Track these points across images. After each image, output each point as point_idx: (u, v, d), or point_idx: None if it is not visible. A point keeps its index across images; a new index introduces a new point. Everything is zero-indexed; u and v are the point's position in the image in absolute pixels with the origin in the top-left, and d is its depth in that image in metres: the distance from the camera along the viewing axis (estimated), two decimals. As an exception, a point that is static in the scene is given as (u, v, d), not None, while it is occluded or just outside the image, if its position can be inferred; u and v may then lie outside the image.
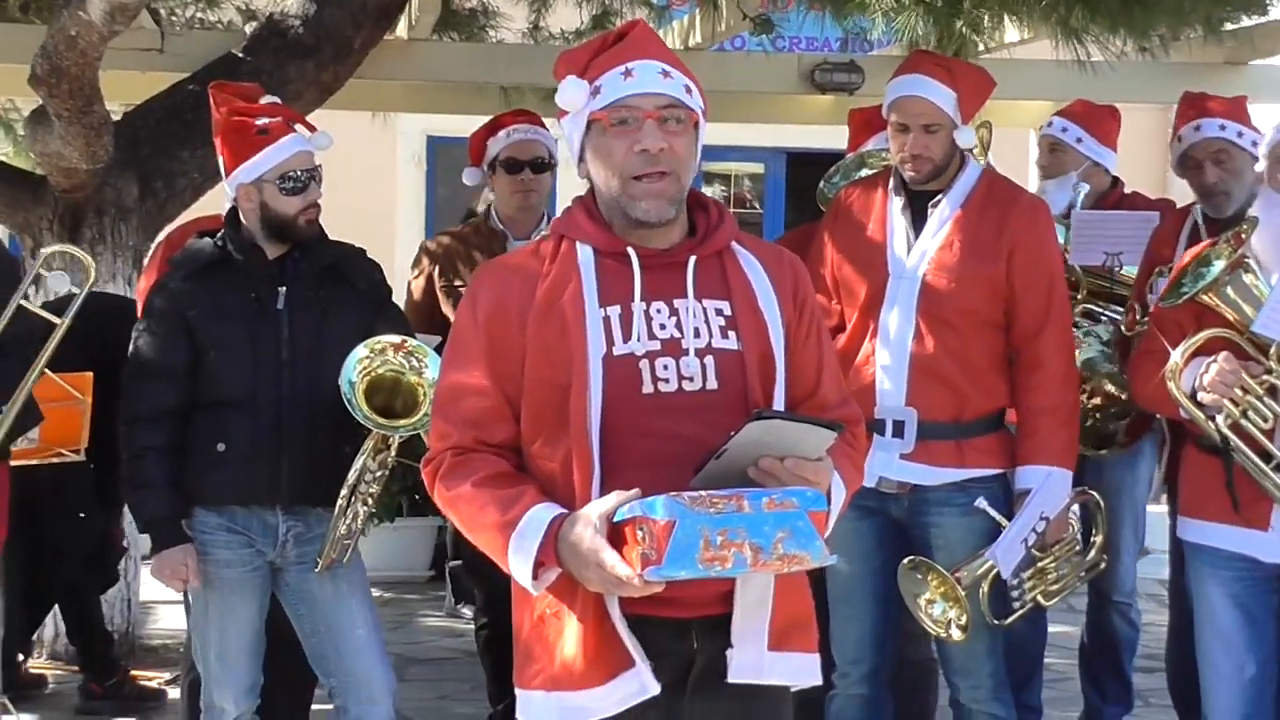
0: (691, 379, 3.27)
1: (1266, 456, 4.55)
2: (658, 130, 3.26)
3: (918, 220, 5.05)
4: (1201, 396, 4.55)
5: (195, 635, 5.14)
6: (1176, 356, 4.58)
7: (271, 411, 4.89)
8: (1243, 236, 4.60)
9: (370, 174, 13.74)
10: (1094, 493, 5.32)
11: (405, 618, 9.00)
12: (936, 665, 5.88)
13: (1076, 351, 5.45)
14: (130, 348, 5.02)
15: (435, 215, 14.98)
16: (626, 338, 3.27)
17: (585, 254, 3.33)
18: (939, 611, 4.90)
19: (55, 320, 5.28)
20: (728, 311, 3.34)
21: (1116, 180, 6.62)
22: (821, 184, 5.91)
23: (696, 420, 3.24)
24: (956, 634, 4.88)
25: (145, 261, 7.05)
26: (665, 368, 3.27)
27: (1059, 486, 4.95)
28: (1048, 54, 8.46)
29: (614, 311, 3.29)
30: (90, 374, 5.53)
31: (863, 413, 4.86)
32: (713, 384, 3.28)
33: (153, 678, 7.45)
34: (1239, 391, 4.51)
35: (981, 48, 8.06)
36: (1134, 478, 6.38)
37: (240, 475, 4.89)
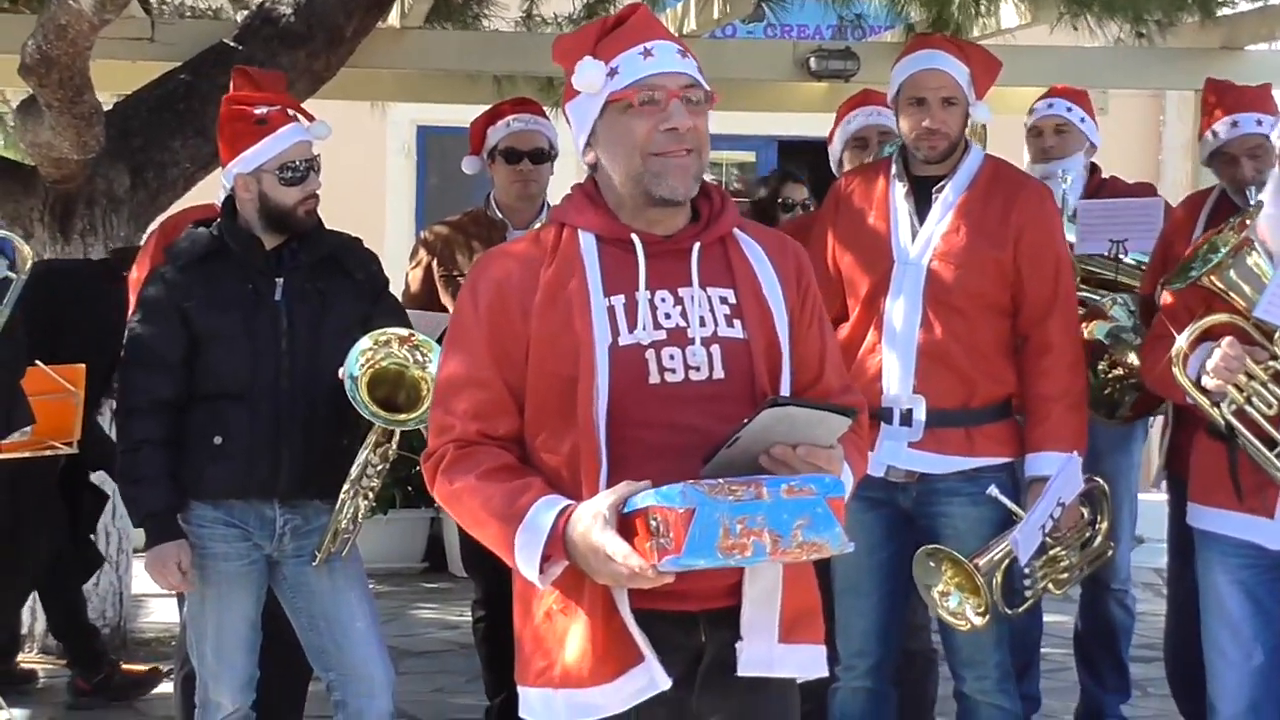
0: (698, 369, 3.23)
1: (1271, 443, 4.52)
2: (684, 108, 3.22)
3: (921, 206, 5.00)
4: (1206, 382, 4.51)
5: (191, 629, 5.10)
6: (1182, 341, 4.54)
7: (270, 404, 4.84)
8: (1247, 221, 4.56)
9: (360, 164, 13.68)
10: (1099, 480, 5.28)
11: (400, 609, 8.97)
12: (937, 656, 5.87)
13: (1101, 323, 5.43)
14: (125, 338, 4.98)
15: (425, 205, 14.93)
16: (632, 327, 3.23)
17: (588, 242, 3.29)
18: (955, 603, 4.87)
19: None
20: (732, 299, 3.30)
21: (1094, 166, 6.57)
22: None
23: (704, 410, 3.20)
24: (977, 620, 4.85)
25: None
26: (672, 358, 3.23)
27: (1076, 472, 4.91)
28: (1042, 40, 8.46)
29: (618, 301, 3.25)
30: (83, 366, 5.49)
31: (868, 401, 4.87)
32: (719, 373, 3.24)
33: (145, 670, 7.41)
34: (1243, 377, 4.48)
35: (977, 32, 8.04)
36: (1129, 464, 6.38)
37: (238, 468, 4.84)
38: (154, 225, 6.69)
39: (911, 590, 5.04)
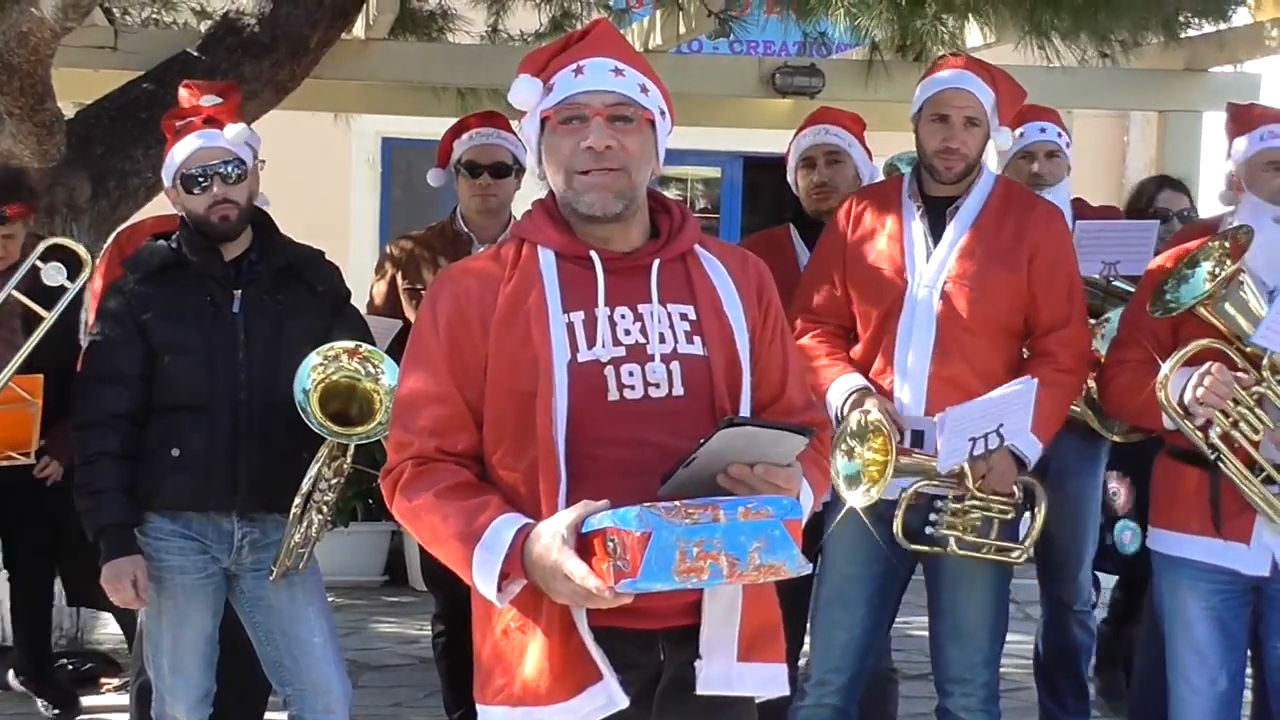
0: (658, 385, 3.23)
1: (1254, 468, 4.52)
2: (605, 128, 3.22)
3: (935, 228, 4.99)
4: (1194, 408, 4.49)
5: (148, 642, 5.07)
6: (1167, 368, 4.53)
7: (228, 416, 4.81)
8: (1241, 245, 4.52)
9: (324, 175, 13.65)
10: (1038, 484, 5.17)
11: (359, 623, 8.92)
12: (897, 676, 5.87)
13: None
14: (84, 351, 4.94)
15: (390, 217, 14.90)
16: (591, 344, 3.22)
17: (547, 258, 3.29)
18: (849, 468, 4.73)
19: (44, 313, 5.20)
20: (692, 316, 3.29)
21: None
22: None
23: (663, 427, 3.20)
24: (855, 498, 4.72)
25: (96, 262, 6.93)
26: (631, 374, 3.22)
27: (1029, 401, 4.79)
28: (1008, 60, 8.47)
29: (578, 317, 3.24)
30: (40, 376, 5.44)
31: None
32: (679, 390, 3.24)
33: (104, 684, 7.37)
34: (1230, 403, 4.47)
35: (941, 51, 8.03)
36: (1094, 485, 6.37)
37: (195, 481, 4.81)
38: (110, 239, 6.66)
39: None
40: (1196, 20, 8.07)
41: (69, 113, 7.60)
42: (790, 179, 6.07)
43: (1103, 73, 8.35)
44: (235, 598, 5.00)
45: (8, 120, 6.96)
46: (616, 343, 3.23)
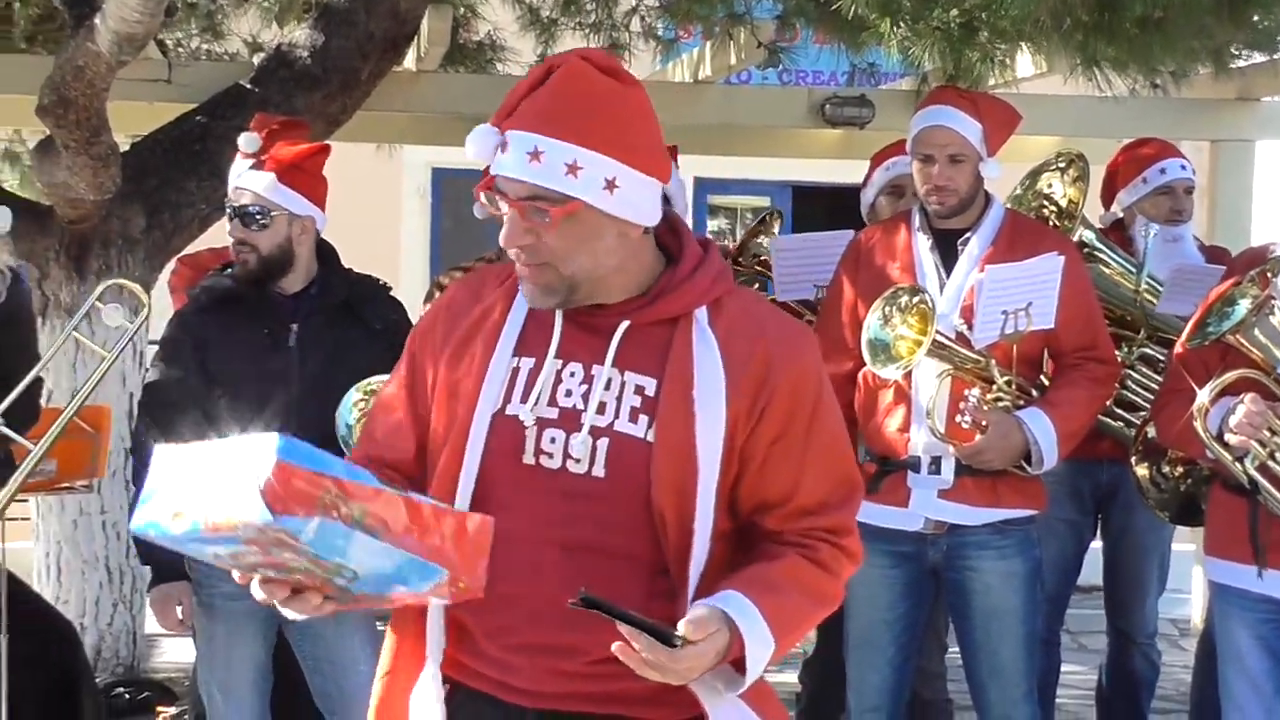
0: (578, 460, 2.83)
1: (1294, 499, 4.50)
2: (519, 224, 2.80)
3: (946, 260, 4.99)
4: (1229, 438, 4.49)
5: (201, 669, 5.09)
6: (1203, 397, 4.52)
7: None
8: (1269, 276, 4.54)
9: (375, 206, 13.72)
10: None
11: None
12: (951, 707, 5.84)
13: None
14: (146, 377, 4.97)
15: (440, 248, 14.96)
16: (525, 398, 2.86)
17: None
18: (882, 334, 4.80)
19: (104, 354, 5.23)
20: (650, 391, 2.84)
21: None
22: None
23: (571, 505, 2.83)
24: (875, 364, 4.81)
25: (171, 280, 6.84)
26: (553, 441, 2.84)
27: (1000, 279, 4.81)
28: (1058, 90, 8.46)
29: (527, 364, 2.89)
30: (107, 407, 5.47)
31: (895, 452, 4.79)
32: (599, 471, 2.82)
33: (160, 712, 7.41)
34: (1266, 433, 4.45)
35: (993, 81, 8.03)
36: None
37: None
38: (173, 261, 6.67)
39: (925, 641, 5.02)
40: (1247, 51, 8.04)
41: (124, 145, 7.67)
42: (866, 206, 6.01)
43: (1154, 102, 8.33)
44: (287, 629, 5.00)
45: (64, 153, 7.03)
46: (553, 402, 2.86)
